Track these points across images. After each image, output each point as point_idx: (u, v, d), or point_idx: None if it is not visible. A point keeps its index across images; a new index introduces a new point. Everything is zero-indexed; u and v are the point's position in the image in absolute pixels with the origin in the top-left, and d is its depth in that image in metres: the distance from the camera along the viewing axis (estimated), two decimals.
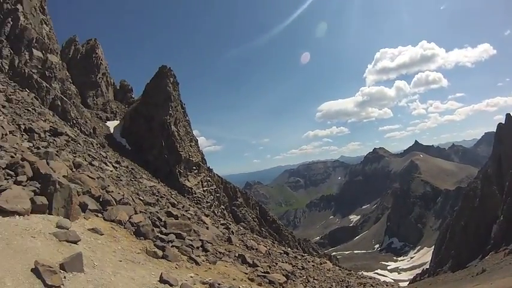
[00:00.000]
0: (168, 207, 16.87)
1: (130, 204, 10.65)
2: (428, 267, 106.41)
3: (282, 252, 19.38)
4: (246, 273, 9.13)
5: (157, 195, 21.03)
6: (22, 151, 11.28)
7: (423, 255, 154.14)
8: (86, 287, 5.04)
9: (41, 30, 42.38)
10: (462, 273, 55.92)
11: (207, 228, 14.72)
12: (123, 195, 11.71)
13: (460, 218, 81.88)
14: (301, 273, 14.12)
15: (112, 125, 56.47)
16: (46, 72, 39.73)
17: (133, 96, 71.75)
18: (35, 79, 37.53)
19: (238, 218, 53.75)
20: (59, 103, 38.65)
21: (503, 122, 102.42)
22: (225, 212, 50.73)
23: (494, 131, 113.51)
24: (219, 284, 6.93)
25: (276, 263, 13.57)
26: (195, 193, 46.81)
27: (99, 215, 8.82)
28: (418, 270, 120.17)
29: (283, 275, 10.92)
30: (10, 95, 24.74)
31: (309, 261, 19.69)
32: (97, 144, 31.72)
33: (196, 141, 57.94)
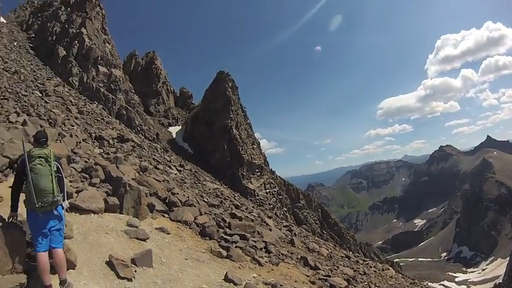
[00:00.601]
0: (231, 209, 17.25)
1: (195, 206, 11.07)
2: (501, 281, 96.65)
3: (344, 256, 18.93)
4: (308, 276, 9.07)
5: (221, 197, 21.55)
6: (94, 156, 12.65)
7: (496, 268, 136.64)
8: (155, 281, 5.41)
9: (104, 49, 47.00)
10: None
11: (270, 230, 14.81)
12: (188, 197, 12.20)
13: None
14: (362, 279, 13.68)
15: (174, 130, 59.32)
16: (111, 85, 43.50)
17: (193, 102, 74.70)
18: (102, 92, 41.58)
19: (300, 220, 53.20)
20: (124, 112, 42.20)
21: None
22: (287, 214, 50.46)
23: None
24: (281, 286, 6.95)
25: (338, 267, 13.29)
26: (258, 195, 47.24)
27: (166, 215, 9.33)
28: (490, 285, 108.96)
29: (345, 280, 10.65)
30: (81, 108, 27.62)
31: (370, 267, 19.00)
32: (161, 149, 33.99)
33: (258, 143, 58.63)
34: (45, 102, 21.57)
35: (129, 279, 5.12)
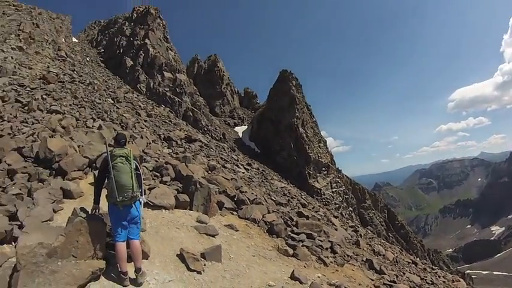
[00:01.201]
0: (298, 207, 17.24)
1: (263, 204, 11.23)
2: None
3: (410, 261, 17.80)
4: (372, 280, 8.72)
5: (288, 196, 21.65)
6: (164, 156, 13.63)
7: None
8: (223, 275, 5.64)
9: (167, 56, 50.73)
10: None
11: (336, 229, 14.50)
12: (256, 195, 12.43)
13: None
14: None
15: (240, 130, 60.87)
16: (177, 89, 46.27)
17: (258, 101, 76.09)
18: (168, 96, 44.51)
19: (365, 221, 51.39)
20: (191, 114, 44.46)
21: None
22: (352, 214, 49.09)
23: None
24: (345, 287, 6.84)
25: (404, 273, 12.56)
26: (324, 194, 46.62)
27: (234, 213, 9.61)
28: None
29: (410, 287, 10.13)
30: (150, 111, 29.92)
31: (439, 276, 17.58)
32: (228, 148, 35.22)
33: (325, 141, 57.91)
34: (117, 108, 23.88)
35: (199, 272, 5.42)
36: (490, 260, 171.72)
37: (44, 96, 20.21)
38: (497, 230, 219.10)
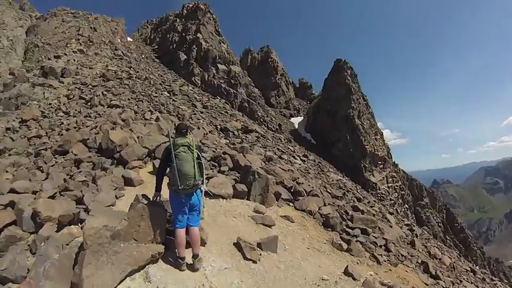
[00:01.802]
0: (354, 201, 16.92)
1: (319, 196, 11.14)
2: None
3: (468, 269, 16.50)
4: (427, 285, 8.25)
5: (343, 189, 21.41)
6: (221, 146, 14.01)
7: None
8: (278, 266, 5.66)
9: (220, 49, 51.85)
10: None
11: (391, 227, 13.95)
12: (313, 187, 12.34)
13: None
14: None
15: (296, 121, 60.66)
16: (231, 81, 47.17)
17: (313, 92, 75.54)
18: (223, 87, 45.49)
19: (421, 220, 48.93)
20: (246, 105, 45.22)
21: None
22: (408, 212, 47.10)
23: None
24: None
25: (461, 281, 11.71)
26: (379, 189, 45.45)
27: (291, 204, 9.60)
28: None
29: None
30: (205, 103, 30.97)
31: None
32: (284, 139, 35.39)
33: (381, 134, 55.84)
34: (173, 100, 25.04)
35: (254, 262, 5.49)
36: None
37: (105, 93, 21.79)
38: None
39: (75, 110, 18.33)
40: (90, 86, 24.44)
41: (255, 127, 29.25)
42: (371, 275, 6.76)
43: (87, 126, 14.29)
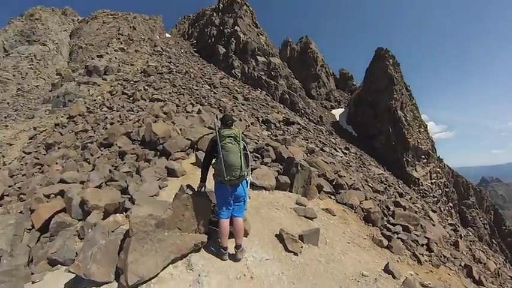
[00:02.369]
0: (395, 196, 16.49)
1: (360, 190, 10.94)
2: None
3: None
4: None
5: (385, 184, 20.97)
6: (263, 138, 14.09)
7: None
8: (318, 259, 5.60)
9: (259, 41, 52.25)
10: None
11: (434, 225, 13.37)
12: (354, 180, 12.15)
13: None
14: None
15: (337, 113, 59.80)
16: (271, 73, 47.27)
17: (354, 83, 74.24)
18: (264, 79, 45.68)
19: (466, 220, 46.64)
20: (287, 96, 45.09)
21: None
22: (452, 210, 45.04)
23: None
24: None
25: None
26: (422, 185, 43.92)
27: (332, 197, 9.48)
28: None
29: None
30: (246, 95, 31.20)
31: None
32: (326, 132, 35.01)
33: (426, 126, 53.68)
34: (214, 93, 25.38)
35: (296, 254, 5.47)
36: None
37: (146, 87, 22.48)
38: None
39: (118, 105, 19.10)
40: (131, 82, 25.36)
41: (296, 119, 29.12)
42: (411, 275, 6.57)
43: (130, 120, 14.87)
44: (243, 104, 25.21)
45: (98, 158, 10.60)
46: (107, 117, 16.91)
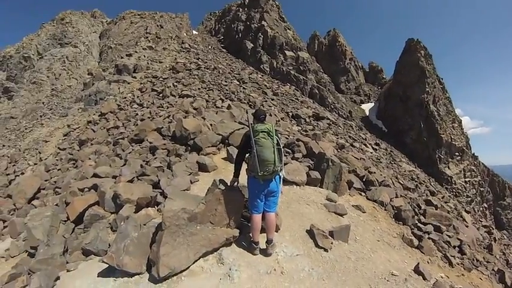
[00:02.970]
0: (426, 195, 16.12)
1: (391, 187, 10.76)
2: None
3: None
4: None
5: (416, 181, 20.56)
6: (293, 133, 14.14)
7: None
8: (348, 256, 5.54)
9: (286, 35, 52.15)
10: None
11: (467, 226, 12.90)
12: (385, 177, 11.96)
13: None
14: None
15: (367, 107, 58.78)
16: (300, 67, 47.02)
17: (384, 76, 72.54)
18: (293, 74, 45.44)
19: (501, 222, 44.56)
20: (316, 91, 44.69)
21: None
22: (487, 212, 43.24)
23: None
24: None
25: None
26: (455, 183, 42.46)
27: (363, 193, 9.35)
28: None
29: None
30: (276, 90, 31.40)
31: None
32: (356, 127, 34.61)
33: (460, 121, 51.68)
34: (243, 88, 25.60)
35: (326, 250, 5.45)
36: None
37: (175, 84, 22.87)
38: None
39: (148, 102, 19.50)
40: (161, 79, 25.79)
41: (326, 114, 28.98)
42: (442, 277, 6.39)
43: (160, 116, 15.18)
44: (272, 99, 25.32)
45: (129, 153, 10.89)
46: (137, 114, 17.34)
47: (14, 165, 18.50)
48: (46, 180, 11.69)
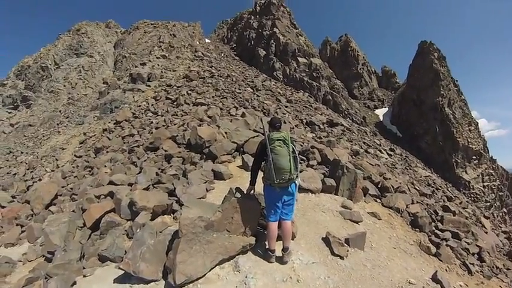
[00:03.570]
0: (444, 200, 15.88)
1: (406, 193, 10.65)
2: None
3: None
4: None
5: (432, 187, 20.25)
6: (308, 140, 14.07)
7: None
8: (364, 264, 5.50)
9: (298, 41, 52.24)
10: None
11: (486, 233, 12.61)
12: (400, 183, 11.85)
13: None
14: None
15: (381, 112, 58.38)
16: (313, 74, 47.00)
17: (397, 80, 72.21)
18: (306, 81, 45.45)
19: None
20: (330, 97, 44.51)
21: None
22: (506, 217, 41.99)
23: None
24: None
25: None
26: (473, 188, 41.71)
27: (378, 200, 9.27)
28: None
29: None
30: (289, 97, 31.41)
31: None
32: (370, 133, 34.40)
33: (476, 124, 50.73)
34: (257, 96, 25.67)
35: (342, 258, 5.43)
36: None
37: (189, 92, 23.09)
38: None
39: (163, 110, 19.71)
40: (175, 87, 26.07)
41: (340, 120, 28.91)
42: (461, 286, 6.27)
43: (175, 124, 15.33)
44: (286, 106, 25.34)
45: (145, 161, 11.02)
46: (152, 122, 17.53)
47: (32, 171, 18.89)
48: (63, 187, 11.89)
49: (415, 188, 14.27)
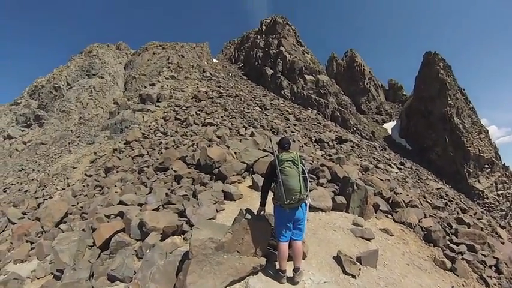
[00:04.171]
0: (457, 213, 15.63)
1: (418, 207, 10.50)
2: None
3: None
4: None
5: (445, 199, 20.04)
6: (317, 158, 14.10)
7: None
8: (377, 282, 5.40)
9: (305, 59, 52.85)
10: None
11: (503, 243, 12.29)
12: (412, 197, 11.70)
13: None
14: None
15: (389, 126, 58.30)
16: (320, 91, 47.20)
17: (404, 93, 72.33)
18: (313, 98, 45.65)
19: None
20: (338, 114, 44.59)
21: None
22: None
23: None
24: None
25: None
26: (487, 198, 41.10)
27: (389, 216, 9.14)
28: None
29: None
30: (298, 115, 31.37)
31: None
32: (379, 147, 34.18)
33: (487, 132, 50.28)
34: (266, 115, 25.80)
35: (354, 277, 5.35)
36: None
37: (198, 112, 23.30)
38: None
39: (172, 130, 19.88)
40: (184, 107, 26.34)
41: (348, 136, 28.89)
42: None
43: (184, 144, 15.44)
44: (295, 125, 25.43)
45: (155, 181, 11.08)
46: (161, 142, 17.67)
47: (43, 189, 19.05)
48: (73, 205, 12.00)
49: (427, 201, 14.07)
